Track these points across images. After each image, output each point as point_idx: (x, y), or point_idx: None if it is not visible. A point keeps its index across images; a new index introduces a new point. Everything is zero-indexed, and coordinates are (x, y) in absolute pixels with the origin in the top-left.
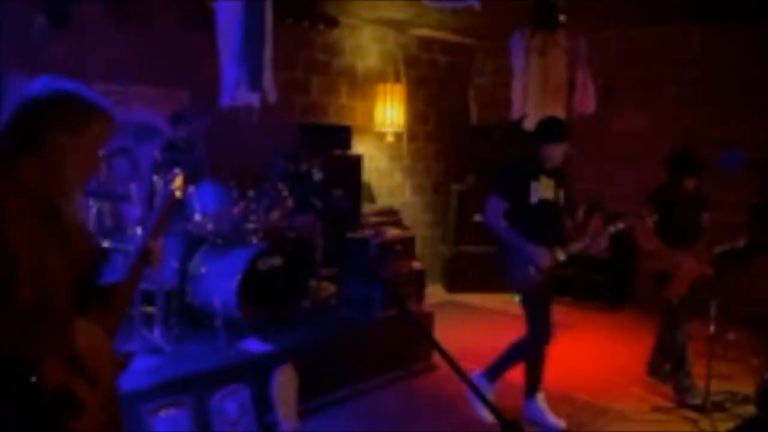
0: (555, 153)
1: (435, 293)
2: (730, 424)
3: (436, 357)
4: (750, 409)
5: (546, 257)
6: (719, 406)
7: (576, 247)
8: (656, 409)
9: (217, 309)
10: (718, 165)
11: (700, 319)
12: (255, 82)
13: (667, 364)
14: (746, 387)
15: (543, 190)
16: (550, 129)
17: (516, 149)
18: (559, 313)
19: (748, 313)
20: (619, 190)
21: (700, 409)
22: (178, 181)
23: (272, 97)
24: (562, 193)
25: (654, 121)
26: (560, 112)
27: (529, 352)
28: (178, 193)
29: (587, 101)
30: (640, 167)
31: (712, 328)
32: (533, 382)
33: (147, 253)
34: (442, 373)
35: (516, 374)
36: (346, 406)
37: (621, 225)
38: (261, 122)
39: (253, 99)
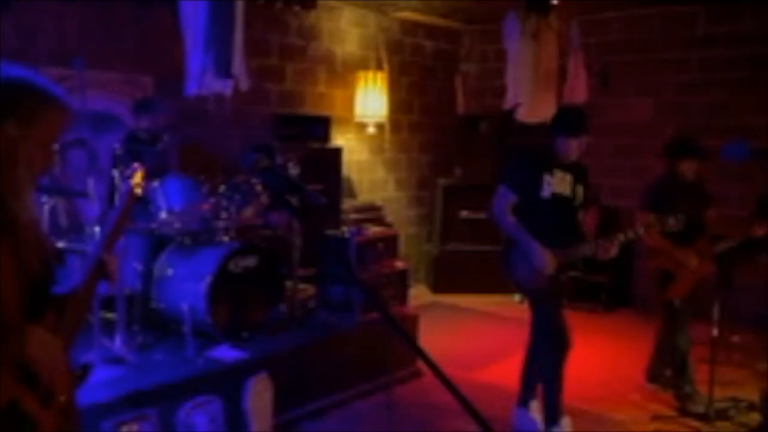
0: (571, 147)
1: (420, 294)
2: None
3: (421, 363)
4: (755, 417)
5: (551, 262)
6: (723, 415)
7: (584, 251)
8: (656, 418)
9: (185, 314)
10: (724, 155)
11: (702, 322)
12: (223, 69)
13: (668, 370)
14: (751, 393)
15: (557, 184)
16: (568, 120)
17: (506, 141)
18: None
19: (753, 314)
20: (618, 183)
21: (703, 417)
22: (138, 177)
23: (244, 84)
24: (581, 190)
25: (656, 109)
26: (552, 101)
27: (547, 358)
28: (138, 191)
29: (578, 90)
30: (640, 158)
31: (715, 332)
32: (526, 390)
33: (101, 266)
34: (427, 381)
35: (502, 378)
36: (325, 417)
37: (631, 234)
38: (232, 112)
39: (225, 87)
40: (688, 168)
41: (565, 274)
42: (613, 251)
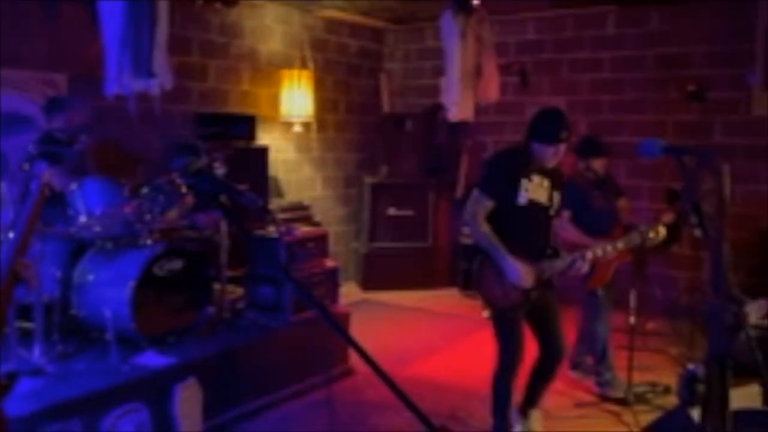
0: (547, 154)
1: (350, 292)
2: (653, 416)
3: (354, 361)
4: (671, 400)
5: (527, 276)
6: (641, 398)
7: (558, 267)
8: (579, 405)
9: (108, 321)
10: (637, 152)
11: (619, 310)
12: (143, 68)
13: (589, 358)
14: (667, 377)
15: (534, 190)
16: (545, 126)
17: (433, 139)
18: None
19: (665, 302)
20: None
21: (623, 402)
22: (45, 178)
23: (168, 83)
24: (557, 197)
25: (570, 107)
26: (472, 100)
27: (503, 380)
28: (46, 191)
29: (491, 89)
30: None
31: (632, 319)
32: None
33: (16, 273)
34: (359, 378)
35: (433, 372)
36: (258, 418)
37: (600, 252)
38: (152, 111)
39: (150, 85)
40: (599, 165)
41: (536, 291)
42: (585, 269)
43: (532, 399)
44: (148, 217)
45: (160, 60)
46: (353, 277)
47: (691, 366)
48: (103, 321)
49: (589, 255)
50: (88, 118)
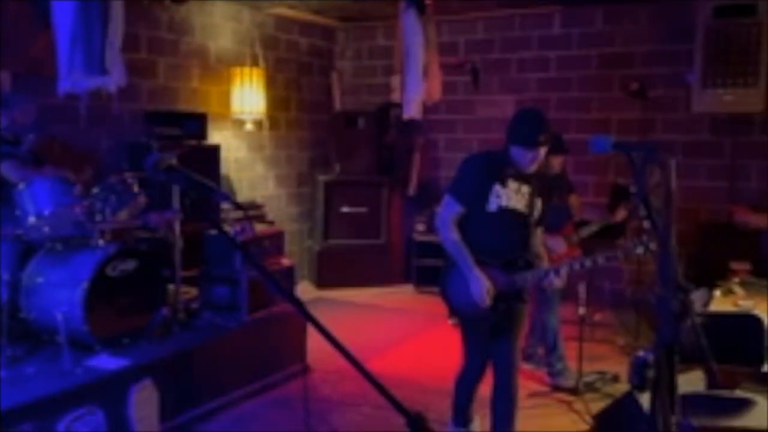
0: (525, 158)
1: (304, 290)
2: (602, 404)
3: (311, 358)
4: (619, 388)
5: (486, 296)
6: (591, 387)
7: (531, 279)
8: (532, 395)
9: (60, 323)
10: (589, 148)
11: (569, 302)
12: (95, 65)
13: (541, 349)
14: (615, 366)
15: (508, 197)
16: (523, 128)
17: (385, 137)
18: (429, 300)
19: (612, 294)
20: None
21: (573, 391)
22: None
23: (121, 80)
24: (539, 204)
25: (518, 105)
26: (422, 99)
27: (462, 384)
28: None
29: (434, 89)
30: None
31: (581, 310)
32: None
33: None
34: (317, 376)
35: (389, 367)
36: (216, 418)
37: (576, 266)
38: (104, 110)
39: (106, 83)
40: (557, 162)
41: (504, 304)
42: (559, 284)
43: (461, 408)
44: (99, 217)
45: (114, 58)
46: (307, 276)
47: (641, 353)
48: (54, 323)
49: (564, 271)
50: (34, 116)
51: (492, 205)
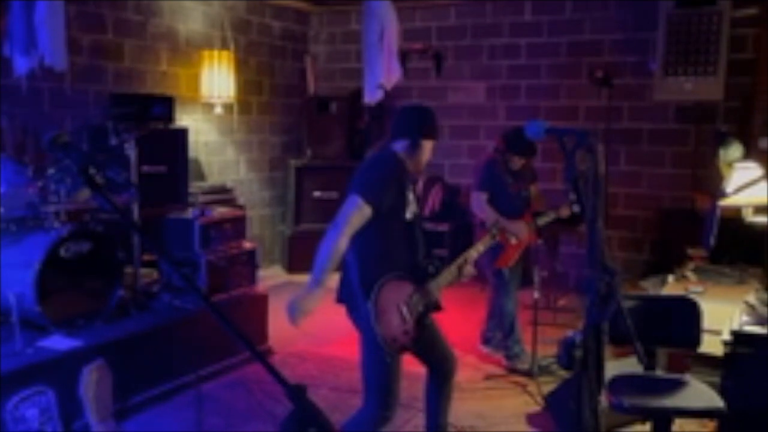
0: (429, 154)
1: (274, 274)
2: (555, 386)
3: (273, 341)
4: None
5: (398, 325)
6: (546, 370)
7: (445, 281)
8: (489, 378)
9: (12, 304)
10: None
11: (530, 288)
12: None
13: (499, 333)
14: None
15: (413, 202)
16: (429, 122)
17: (357, 122)
18: None
19: (575, 278)
20: (457, 162)
21: (528, 373)
22: None
23: (60, 63)
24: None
25: (489, 92)
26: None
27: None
28: None
29: (392, 74)
30: (477, 138)
31: (536, 295)
32: None
33: None
34: (277, 358)
35: (349, 351)
36: (174, 400)
37: (474, 253)
38: (61, 90)
39: (57, 64)
40: (517, 162)
41: (428, 318)
42: (471, 270)
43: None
44: (53, 198)
45: (49, 37)
46: (279, 260)
47: (570, 333)
48: (6, 304)
49: (473, 254)
50: None
51: (409, 213)
